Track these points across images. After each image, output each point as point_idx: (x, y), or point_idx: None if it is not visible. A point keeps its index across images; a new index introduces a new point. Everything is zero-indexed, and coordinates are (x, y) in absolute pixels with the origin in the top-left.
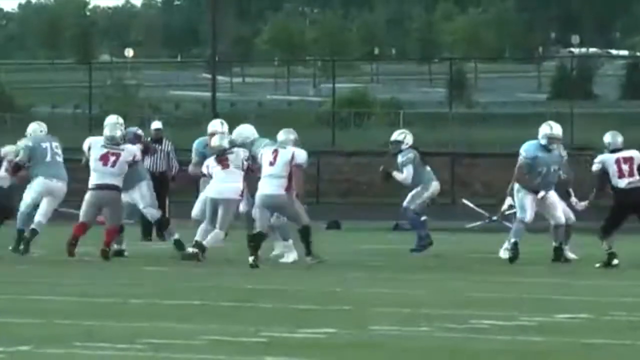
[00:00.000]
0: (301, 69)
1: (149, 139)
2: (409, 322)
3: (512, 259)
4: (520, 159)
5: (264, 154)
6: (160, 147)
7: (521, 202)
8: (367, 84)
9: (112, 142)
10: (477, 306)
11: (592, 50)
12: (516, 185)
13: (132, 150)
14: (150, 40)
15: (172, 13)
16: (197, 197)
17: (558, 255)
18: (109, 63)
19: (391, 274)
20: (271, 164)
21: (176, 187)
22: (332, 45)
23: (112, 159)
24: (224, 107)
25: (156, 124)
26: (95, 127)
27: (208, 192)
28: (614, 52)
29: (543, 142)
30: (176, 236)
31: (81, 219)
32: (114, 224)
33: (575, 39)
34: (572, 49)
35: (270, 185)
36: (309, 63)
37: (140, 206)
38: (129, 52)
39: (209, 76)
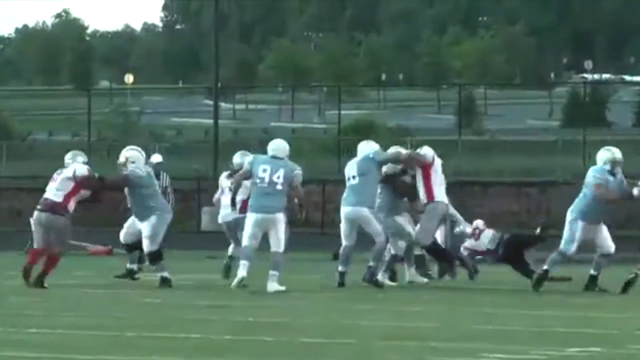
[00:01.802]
0: (306, 95)
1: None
2: (415, 355)
3: (537, 286)
4: (596, 178)
5: (437, 159)
6: (158, 182)
7: (572, 234)
8: (374, 110)
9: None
10: (486, 339)
11: (605, 75)
12: (571, 215)
13: (73, 166)
14: (151, 66)
15: (173, 38)
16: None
17: (592, 284)
18: (109, 89)
19: (397, 306)
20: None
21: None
22: (338, 71)
23: (55, 177)
24: (226, 134)
25: (156, 158)
26: (94, 155)
27: (219, 217)
28: (628, 77)
29: (607, 167)
30: (165, 274)
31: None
32: (56, 249)
33: (588, 64)
34: (585, 75)
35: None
36: (313, 89)
37: (143, 234)
38: (129, 78)
39: (211, 103)
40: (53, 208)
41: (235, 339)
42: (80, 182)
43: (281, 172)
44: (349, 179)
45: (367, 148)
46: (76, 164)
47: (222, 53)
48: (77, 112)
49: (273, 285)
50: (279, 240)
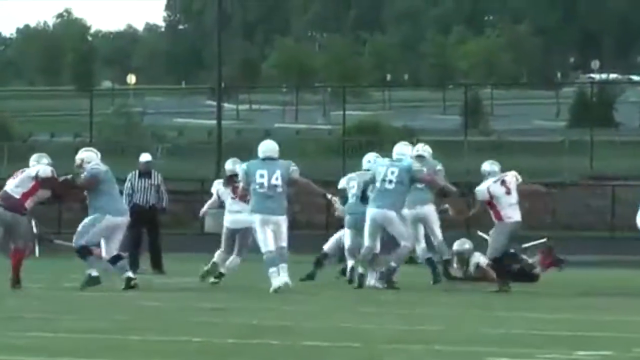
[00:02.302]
0: (310, 95)
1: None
2: (420, 359)
3: None
4: None
5: (492, 187)
6: (149, 181)
7: None
8: (379, 111)
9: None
10: (493, 343)
11: (612, 76)
12: None
13: (37, 167)
14: (153, 66)
15: (176, 38)
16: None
17: None
18: (111, 90)
19: (403, 309)
20: (508, 192)
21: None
22: (343, 71)
23: (17, 173)
24: (229, 135)
25: (145, 157)
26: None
27: (225, 221)
28: (635, 78)
29: None
30: (93, 272)
31: None
32: (17, 246)
33: (595, 64)
34: (592, 75)
35: (518, 211)
36: (318, 90)
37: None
38: (131, 79)
39: (214, 103)
40: (14, 207)
41: (239, 342)
42: (41, 183)
43: (278, 174)
44: (383, 180)
45: (404, 151)
46: (40, 165)
47: (225, 52)
48: (79, 113)
49: (285, 276)
50: (282, 235)
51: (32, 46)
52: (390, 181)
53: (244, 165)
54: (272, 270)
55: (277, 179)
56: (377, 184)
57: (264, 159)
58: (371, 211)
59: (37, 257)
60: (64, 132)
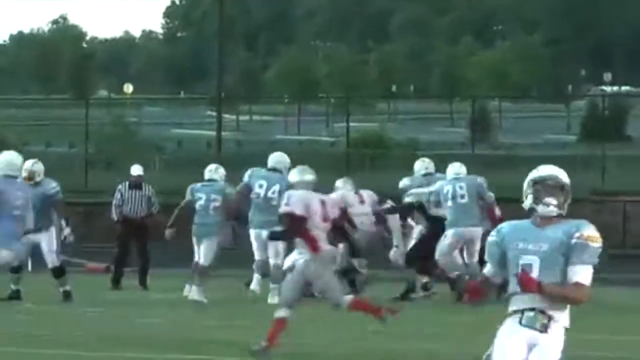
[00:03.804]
0: (313, 106)
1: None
2: None
3: None
4: None
5: None
6: (140, 192)
7: None
8: (384, 123)
9: None
10: None
11: (625, 88)
12: None
13: None
14: (151, 74)
15: (175, 45)
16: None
17: None
18: (107, 99)
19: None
20: None
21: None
22: (347, 81)
23: None
24: (230, 146)
25: (137, 169)
26: (91, 167)
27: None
28: None
29: None
30: (67, 288)
31: None
32: None
33: (607, 76)
34: (604, 87)
35: None
36: (321, 100)
37: (45, 250)
38: (129, 88)
39: (214, 113)
40: None
41: None
42: None
43: (276, 188)
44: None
45: (461, 171)
46: None
47: (226, 61)
48: (75, 123)
49: (275, 299)
50: (277, 252)
51: (26, 53)
52: (462, 196)
53: (249, 171)
54: (256, 275)
55: (273, 192)
56: (449, 202)
57: (268, 169)
58: (458, 230)
59: (29, 271)
60: (59, 141)
